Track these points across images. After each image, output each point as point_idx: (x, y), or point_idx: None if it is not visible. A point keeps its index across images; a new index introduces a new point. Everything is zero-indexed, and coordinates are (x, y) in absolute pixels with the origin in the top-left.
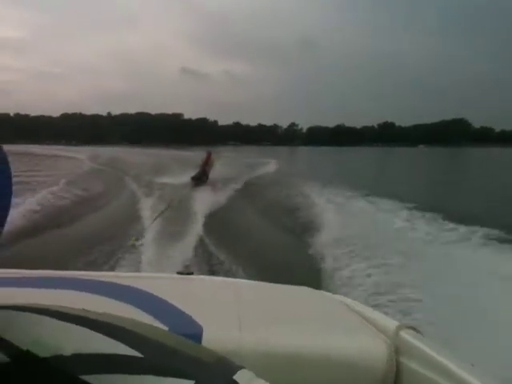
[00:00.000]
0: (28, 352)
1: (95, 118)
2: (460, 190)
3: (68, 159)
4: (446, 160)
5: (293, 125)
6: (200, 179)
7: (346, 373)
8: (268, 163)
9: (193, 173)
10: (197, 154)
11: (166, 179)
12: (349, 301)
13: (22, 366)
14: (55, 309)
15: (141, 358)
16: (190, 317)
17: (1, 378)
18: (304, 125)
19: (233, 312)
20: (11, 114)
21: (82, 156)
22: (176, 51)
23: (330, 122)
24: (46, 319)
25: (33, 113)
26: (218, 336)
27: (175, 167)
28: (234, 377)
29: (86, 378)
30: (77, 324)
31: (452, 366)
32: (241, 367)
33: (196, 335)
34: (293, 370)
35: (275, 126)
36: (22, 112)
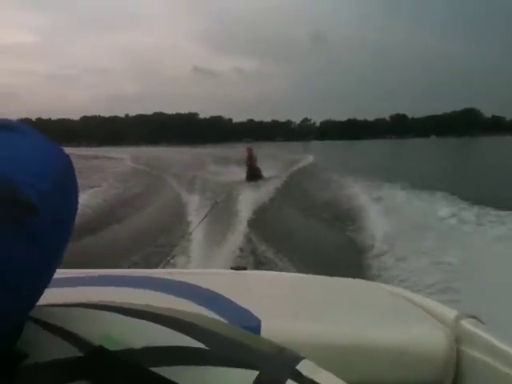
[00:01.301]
0: (100, 347)
1: (114, 120)
2: (447, 170)
3: (109, 160)
4: (455, 149)
5: (306, 120)
6: (255, 176)
7: (405, 363)
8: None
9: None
10: (222, 151)
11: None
12: (406, 292)
13: (95, 361)
14: (121, 305)
15: (206, 349)
16: (248, 310)
17: (76, 372)
18: (317, 119)
19: (290, 305)
20: (33, 119)
21: (123, 156)
22: (187, 51)
23: (342, 116)
24: (114, 315)
25: (53, 116)
26: (276, 328)
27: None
28: (297, 367)
29: (155, 370)
30: (143, 319)
31: None
32: (303, 357)
33: (254, 328)
34: (351, 362)
35: (288, 122)
36: (44, 117)
